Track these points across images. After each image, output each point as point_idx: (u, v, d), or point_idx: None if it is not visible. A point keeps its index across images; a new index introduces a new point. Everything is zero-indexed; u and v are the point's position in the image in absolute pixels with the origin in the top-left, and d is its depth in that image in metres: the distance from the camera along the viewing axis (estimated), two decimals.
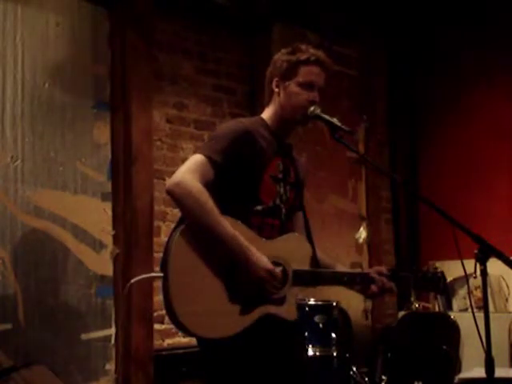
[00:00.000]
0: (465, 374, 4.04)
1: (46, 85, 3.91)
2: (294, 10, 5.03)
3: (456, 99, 5.63)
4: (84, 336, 3.92)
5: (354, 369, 4.04)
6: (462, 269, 2.38)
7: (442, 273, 2.67)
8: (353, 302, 5.33)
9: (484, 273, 2.29)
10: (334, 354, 3.90)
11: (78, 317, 3.91)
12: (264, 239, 2.41)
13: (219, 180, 2.36)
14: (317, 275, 2.50)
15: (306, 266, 2.49)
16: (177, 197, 2.30)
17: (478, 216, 5.07)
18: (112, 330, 4.04)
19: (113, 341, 4.05)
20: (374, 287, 2.53)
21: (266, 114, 2.60)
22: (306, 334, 3.93)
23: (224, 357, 2.34)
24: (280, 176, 2.51)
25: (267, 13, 4.97)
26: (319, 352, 3.90)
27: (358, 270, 2.66)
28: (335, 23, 5.38)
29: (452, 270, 5.23)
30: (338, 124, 2.56)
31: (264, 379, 2.37)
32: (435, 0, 5.41)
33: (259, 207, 2.43)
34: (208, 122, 4.76)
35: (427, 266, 2.69)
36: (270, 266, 2.32)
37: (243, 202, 2.41)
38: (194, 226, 2.30)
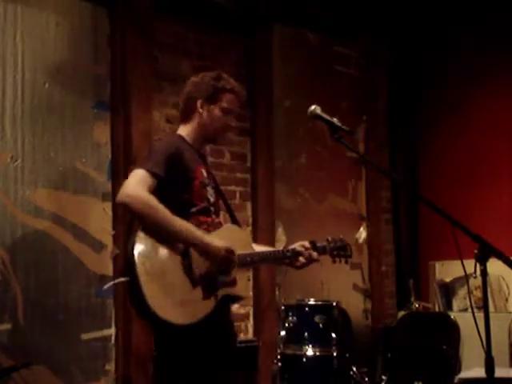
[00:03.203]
0: (465, 374, 4.04)
1: (46, 85, 3.91)
2: (294, 10, 5.03)
3: (456, 99, 5.63)
4: (84, 336, 3.92)
5: (354, 369, 4.05)
6: (462, 269, 2.39)
7: (347, 242, 3.20)
8: (353, 302, 5.34)
9: (484, 273, 2.29)
10: (334, 354, 3.90)
11: (78, 317, 3.91)
12: (207, 233, 2.73)
13: (160, 190, 2.64)
14: (257, 256, 2.88)
15: (246, 251, 2.84)
16: (130, 205, 2.57)
17: (478, 216, 5.07)
18: (112, 330, 4.04)
19: (113, 341, 4.06)
20: (301, 259, 2.98)
21: (185, 130, 2.89)
22: (306, 334, 3.94)
23: (192, 339, 2.62)
24: (206, 181, 2.83)
25: (267, 13, 4.97)
26: (319, 352, 3.91)
27: (289, 247, 3.05)
28: (335, 23, 5.38)
29: (452, 270, 5.26)
30: (338, 124, 2.61)
31: (219, 357, 2.71)
32: (435, 0, 5.41)
33: (194, 209, 2.74)
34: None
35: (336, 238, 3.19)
36: (227, 244, 2.67)
37: (181, 207, 2.69)
38: (149, 229, 2.58)
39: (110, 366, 4.04)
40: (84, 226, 3.97)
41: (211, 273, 2.64)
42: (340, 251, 3.14)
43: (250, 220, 4.97)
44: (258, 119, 5.02)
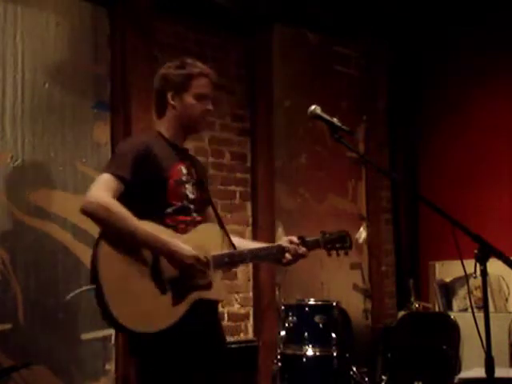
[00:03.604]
0: (465, 374, 4.04)
1: (46, 85, 3.91)
2: (294, 10, 5.03)
3: (456, 99, 5.63)
4: (84, 336, 3.92)
5: (354, 369, 4.05)
6: (462, 269, 2.39)
7: (347, 232, 3.00)
8: (353, 302, 5.34)
9: (484, 273, 2.29)
10: (334, 354, 3.90)
11: (78, 317, 3.90)
12: (179, 234, 2.61)
13: (130, 193, 2.56)
14: (235, 256, 2.71)
15: (223, 250, 2.71)
16: (92, 213, 2.49)
17: (478, 216, 5.07)
18: (112, 330, 4.03)
19: (113, 341, 4.05)
20: (288, 255, 2.81)
21: (161, 126, 2.77)
22: (306, 334, 3.94)
23: (166, 346, 2.52)
24: (184, 179, 2.70)
25: (267, 13, 4.97)
26: (319, 352, 3.91)
27: (272, 244, 2.88)
28: (335, 23, 5.38)
29: (452, 269, 5.25)
30: (338, 124, 2.60)
31: (200, 362, 2.60)
32: (435, 0, 5.41)
33: (169, 209, 2.63)
34: (208, 122, 4.76)
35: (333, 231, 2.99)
36: (194, 252, 2.54)
37: (155, 207, 2.61)
38: (113, 236, 2.48)
39: (110, 366, 4.04)
40: (84, 226, 3.96)
41: (181, 278, 2.55)
42: (336, 243, 2.93)
43: (250, 220, 4.97)
44: (258, 119, 5.03)
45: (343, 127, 2.58)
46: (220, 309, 4.69)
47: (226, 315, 4.71)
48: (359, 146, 5.60)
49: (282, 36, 5.12)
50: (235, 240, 2.83)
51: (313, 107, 2.65)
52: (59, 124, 3.95)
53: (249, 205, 4.98)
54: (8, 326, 3.61)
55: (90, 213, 2.50)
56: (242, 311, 4.86)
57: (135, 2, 4.25)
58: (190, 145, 4.54)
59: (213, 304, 2.72)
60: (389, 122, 5.84)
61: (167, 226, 2.60)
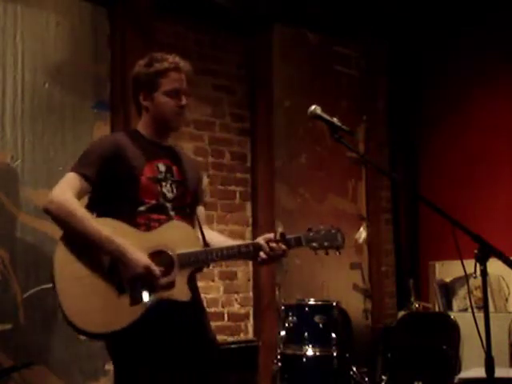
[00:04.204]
0: (465, 374, 4.04)
1: (46, 85, 3.91)
2: (294, 10, 5.03)
3: (456, 99, 5.62)
4: (84, 336, 3.91)
5: (354, 369, 4.05)
6: (462, 269, 2.39)
7: (338, 228, 2.75)
8: (353, 302, 5.34)
9: (484, 273, 2.29)
10: (334, 353, 3.90)
11: None
12: (144, 232, 2.54)
13: (98, 191, 2.55)
14: (204, 254, 2.60)
15: (193, 249, 2.59)
16: (52, 212, 2.47)
17: (478, 216, 5.07)
18: None
19: None
20: (262, 254, 2.64)
21: (140, 125, 2.75)
22: (306, 334, 3.94)
23: (128, 346, 2.47)
24: (160, 176, 2.63)
25: (267, 13, 4.97)
26: (319, 352, 3.91)
27: (248, 241, 2.75)
28: (335, 23, 5.38)
29: (452, 270, 5.25)
30: (338, 124, 2.59)
31: (168, 361, 2.50)
32: (435, 0, 5.40)
33: (142, 208, 2.56)
34: (208, 122, 4.77)
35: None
36: (146, 261, 2.46)
37: (126, 206, 2.55)
38: (71, 236, 2.47)
39: (110, 366, 4.03)
40: None
41: (139, 278, 2.47)
42: (324, 241, 2.71)
43: (250, 220, 4.97)
44: (258, 119, 5.03)
45: (343, 127, 2.57)
46: (220, 309, 4.74)
47: (226, 315, 4.71)
48: (359, 146, 5.60)
49: (282, 36, 5.12)
50: (217, 240, 2.76)
51: (313, 107, 2.64)
52: (59, 124, 3.95)
53: (249, 205, 4.98)
54: (8, 326, 3.61)
55: (50, 212, 2.48)
56: (242, 311, 4.86)
57: (135, 1, 4.25)
58: (189, 145, 4.59)
59: (184, 304, 2.56)
60: (389, 122, 5.84)
61: (138, 224, 2.54)
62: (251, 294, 4.90)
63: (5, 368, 3.50)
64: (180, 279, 2.54)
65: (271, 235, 2.70)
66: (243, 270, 4.86)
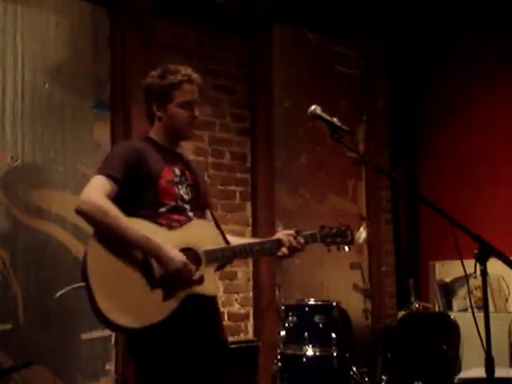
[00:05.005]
0: (465, 374, 4.04)
1: (46, 85, 3.91)
2: (294, 10, 5.03)
3: (456, 99, 5.63)
4: (84, 336, 3.93)
5: (354, 369, 4.05)
6: (462, 269, 2.39)
7: (348, 226, 2.99)
8: (353, 302, 5.34)
9: (484, 273, 2.29)
10: (334, 353, 3.90)
11: (79, 317, 3.90)
12: (171, 230, 2.64)
13: (123, 194, 2.61)
14: (228, 250, 2.72)
15: (217, 246, 2.70)
16: (86, 213, 2.54)
17: (478, 216, 5.07)
18: None
19: (113, 341, 4.05)
20: (283, 249, 2.79)
21: (153, 133, 2.82)
22: (306, 334, 3.94)
23: (158, 341, 2.54)
24: (176, 180, 2.74)
25: (267, 13, 4.97)
26: (319, 352, 3.91)
27: (270, 238, 2.86)
28: (335, 23, 5.38)
29: (452, 270, 5.25)
30: (338, 124, 2.60)
31: (194, 357, 2.60)
32: (435, 0, 5.41)
33: (163, 209, 2.66)
34: (208, 122, 4.77)
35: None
36: (182, 258, 2.55)
37: (147, 207, 2.64)
38: (105, 235, 2.53)
39: (110, 366, 4.04)
40: (84, 226, 3.94)
41: (171, 274, 2.55)
42: (336, 238, 2.93)
43: (250, 220, 4.98)
44: (258, 119, 5.03)
45: (343, 127, 2.59)
46: (220, 309, 4.73)
47: (226, 315, 4.71)
48: (359, 146, 5.61)
49: (282, 36, 5.12)
50: (234, 239, 2.85)
51: (313, 107, 2.65)
52: (59, 124, 3.96)
53: (249, 205, 4.98)
54: (8, 326, 3.62)
55: (84, 213, 2.54)
56: (242, 311, 4.86)
57: (135, 1, 4.26)
58: (189, 145, 4.58)
59: (208, 300, 2.69)
60: (389, 122, 5.85)
61: (160, 224, 2.63)
62: (251, 294, 4.90)
63: (5, 368, 3.50)
64: (208, 275, 2.64)
65: (291, 231, 2.84)
66: (243, 270, 4.86)
